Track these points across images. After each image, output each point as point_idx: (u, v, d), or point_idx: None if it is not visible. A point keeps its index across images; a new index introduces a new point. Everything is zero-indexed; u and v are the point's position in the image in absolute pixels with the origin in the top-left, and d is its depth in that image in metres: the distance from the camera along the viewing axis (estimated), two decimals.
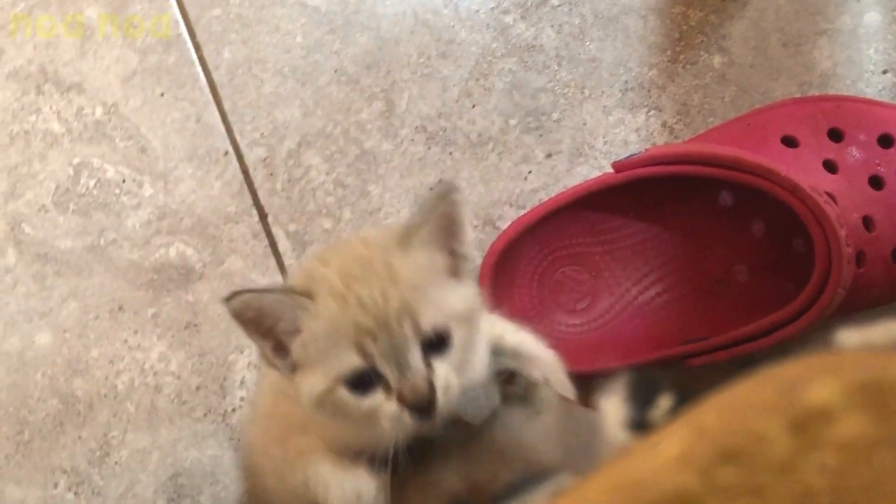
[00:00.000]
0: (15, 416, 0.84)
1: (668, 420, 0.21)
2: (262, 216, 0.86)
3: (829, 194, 0.74)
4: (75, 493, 0.85)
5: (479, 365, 0.58)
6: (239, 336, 0.86)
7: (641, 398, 0.21)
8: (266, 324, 0.52)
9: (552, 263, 0.82)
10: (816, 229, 0.70)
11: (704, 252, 0.82)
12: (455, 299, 0.53)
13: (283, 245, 0.87)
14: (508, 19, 0.87)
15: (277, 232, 0.87)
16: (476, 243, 0.86)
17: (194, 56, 0.86)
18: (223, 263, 0.85)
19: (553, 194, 0.85)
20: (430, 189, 0.52)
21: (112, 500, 0.85)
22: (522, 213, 0.85)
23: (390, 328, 0.50)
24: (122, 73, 0.86)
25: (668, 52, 0.86)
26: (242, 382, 0.86)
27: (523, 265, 0.82)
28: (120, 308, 0.85)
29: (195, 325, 0.86)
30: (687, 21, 0.87)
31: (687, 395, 0.21)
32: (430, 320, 0.51)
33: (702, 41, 0.86)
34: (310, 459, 0.61)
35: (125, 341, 0.85)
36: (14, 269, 0.84)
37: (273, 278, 0.86)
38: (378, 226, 0.87)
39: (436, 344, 0.52)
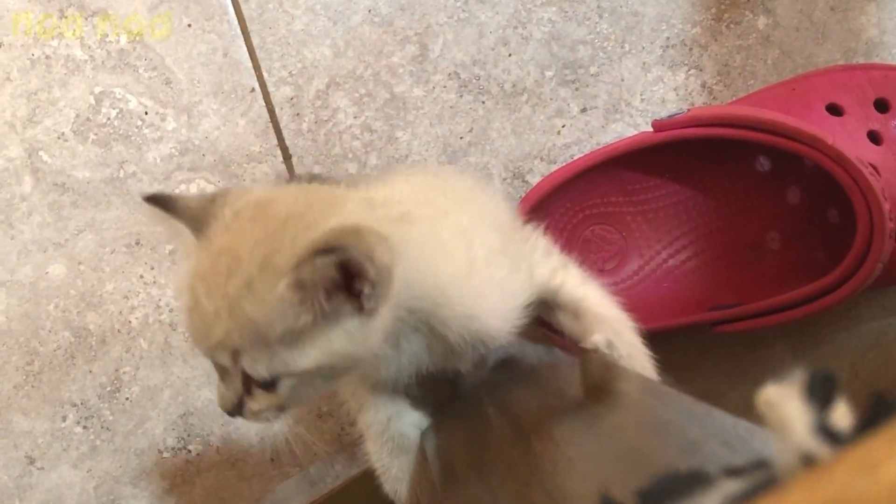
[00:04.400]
0: (26, 346, 0.83)
1: (865, 432, 0.18)
2: (287, 157, 0.84)
3: (872, 166, 0.72)
4: (84, 427, 0.84)
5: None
6: None
7: (820, 399, 0.19)
8: None
9: (583, 221, 0.81)
10: (860, 202, 0.68)
11: (738, 217, 0.80)
12: (313, 352, 0.45)
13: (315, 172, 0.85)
14: None
15: (301, 174, 0.85)
16: (504, 196, 0.85)
17: None
18: None
19: (585, 151, 0.84)
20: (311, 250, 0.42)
21: (121, 436, 0.84)
22: (553, 168, 0.83)
23: (210, 348, 0.46)
24: (149, 2, 0.83)
25: (713, 10, 0.84)
26: None
27: (553, 221, 0.80)
28: (137, 243, 0.83)
29: None
30: None
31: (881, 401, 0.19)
32: (252, 368, 0.45)
33: (748, 0, 0.84)
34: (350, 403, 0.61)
35: (141, 276, 0.84)
36: (30, 197, 0.82)
37: None
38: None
39: (259, 383, 0.47)
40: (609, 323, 0.58)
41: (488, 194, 0.63)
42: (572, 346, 0.62)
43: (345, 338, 0.45)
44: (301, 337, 0.44)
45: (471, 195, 0.61)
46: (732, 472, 0.20)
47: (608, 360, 0.56)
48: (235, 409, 0.48)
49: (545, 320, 0.64)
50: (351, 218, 0.46)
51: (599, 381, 0.53)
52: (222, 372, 0.48)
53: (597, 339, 0.57)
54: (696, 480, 0.20)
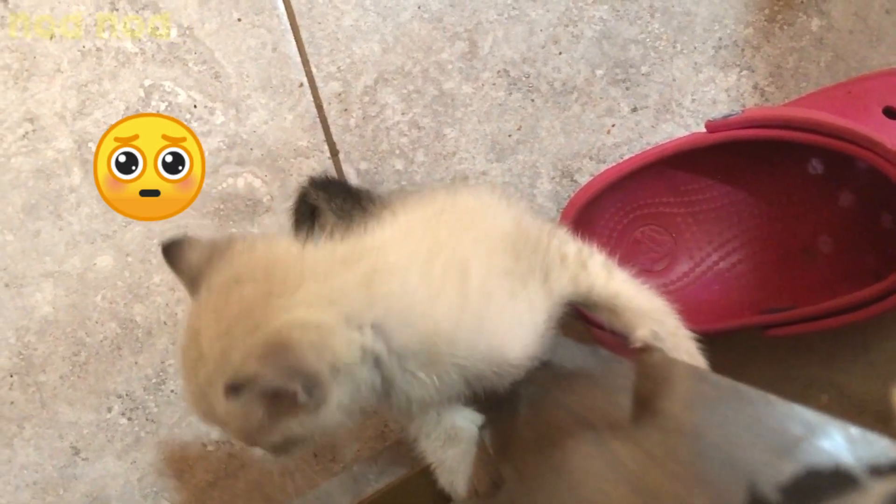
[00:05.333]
0: (72, 336, 0.83)
1: None
2: (334, 153, 0.84)
3: None
4: (129, 419, 0.84)
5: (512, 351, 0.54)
6: None
7: None
8: None
9: (633, 221, 0.80)
10: None
11: (789, 220, 0.79)
12: (276, 436, 0.50)
13: (354, 183, 0.84)
14: None
15: (348, 170, 0.85)
16: (552, 195, 0.84)
17: None
18: (291, 198, 0.83)
19: (635, 150, 0.83)
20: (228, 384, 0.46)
21: (166, 428, 0.84)
22: (602, 167, 0.83)
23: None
24: None
25: (766, 11, 0.83)
26: None
27: (603, 221, 0.80)
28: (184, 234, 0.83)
29: None
30: None
31: None
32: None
33: (801, 2, 0.83)
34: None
35: None
36: (79, 188, 0.82)
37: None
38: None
39: None
40: (649, 315, 0.57)
41: (499, 209, 0.62)
42: (621, 344, 0.61)
43: (299, 425, 0.49)
44: (259, 426, 0.48)
45: (478, 216, 0.60)
46: (878, 471, 0.20)
47: (663, 357, 0.55)
48: None
49: (593, 317, 0.64)
50: (300, 309, 0.48)
51: (656, 382, 0.52)
52: None
53: (642, 334, 0.56)
54: (843, 480, 0.19)
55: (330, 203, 0.80)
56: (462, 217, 0.60)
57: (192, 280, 0.54)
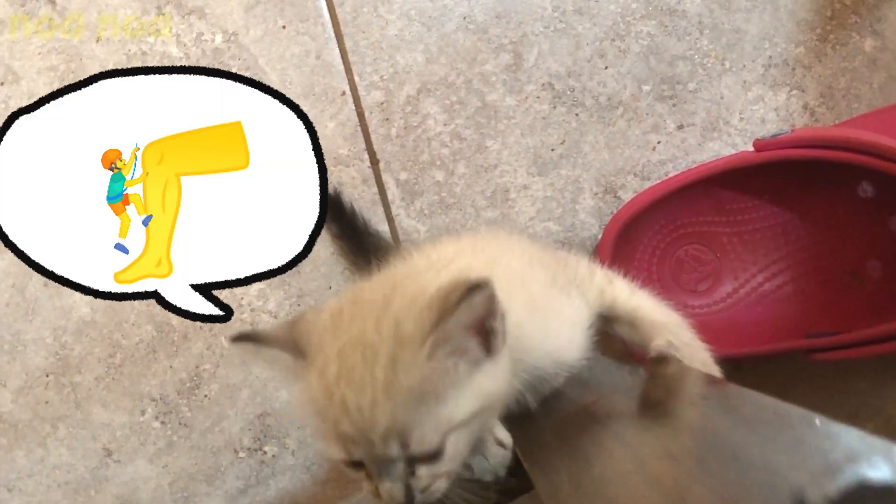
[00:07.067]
0: (109, 338, 0.83)
1: None
2: (374, 162, 0.84)
3: None
4: (162, 422, 0.84)
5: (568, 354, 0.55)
6: (338, 281, 0.84)
7: None
8: None
9: (676, 240, 0.79)
10: None
11: (838, 243, 0.77)
12: (467, 398, 0.46)
13: (393, 193, 0.84)
14: None
15: (388, 179, 0.84)
16: (595, 211, 0.83)
17: None
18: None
19: (680, 168, 0.82)
20: (460, 293, 0.44)
21: (198, 433, 0.84)
22: (646, 184, 0.81)
23: (373, 444, 0.44)
24: (246, 2, 0.83)
25: (818, 31, 0.81)
26: None
27: (646, 239, 0.78)
28: None
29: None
30: None
31: None
32: (422, 442, 0.45)
33: (855, 22, 0.81)
34: None
35: None
36: None
37: (380, 227, 0.83)
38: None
39: (426, 457, 0.46)
40: (665, 327, 0.60)
41: (523, 239, 0.66)
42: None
43: (488, 379, 0.47)
44: (454, 390, 0.46)
45: (509, 241, 0.64)
46: None
47: (680, 367, 0.56)
48: (408, 496, 0.46)
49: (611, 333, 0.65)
50: (439, 280, 0.47)
51: (670, 392, 0.53)
52: (383, 466, 0.46)
53: (658, 343, 0.58)
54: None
55: (340, 240, 0.83)
56: (498, 242, 0.63)
57: (290, 342, 0.50)
